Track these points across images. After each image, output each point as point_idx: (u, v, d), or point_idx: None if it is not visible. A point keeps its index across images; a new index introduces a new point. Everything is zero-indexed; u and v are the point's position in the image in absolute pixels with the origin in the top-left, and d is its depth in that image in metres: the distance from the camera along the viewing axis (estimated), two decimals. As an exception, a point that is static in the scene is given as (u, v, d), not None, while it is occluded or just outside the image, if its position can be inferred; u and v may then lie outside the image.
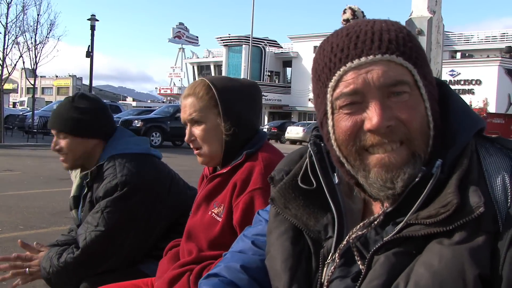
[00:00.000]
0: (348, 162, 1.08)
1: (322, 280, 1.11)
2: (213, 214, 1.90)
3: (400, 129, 1.01)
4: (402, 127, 1.01)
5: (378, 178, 1.03)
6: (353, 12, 1.14)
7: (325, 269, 1.11)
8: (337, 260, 1.09)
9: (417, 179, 1.00)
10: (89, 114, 2.51)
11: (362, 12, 1.14)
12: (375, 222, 1.07)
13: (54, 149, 2.55)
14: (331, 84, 1.05)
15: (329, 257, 1.10)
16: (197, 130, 2.00)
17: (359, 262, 1.06)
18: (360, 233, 1.08)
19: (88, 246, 2.28)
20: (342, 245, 1.08)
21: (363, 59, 1.01)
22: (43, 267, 2.36)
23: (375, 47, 1.01)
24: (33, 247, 2.48)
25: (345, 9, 1.17)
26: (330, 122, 1.08)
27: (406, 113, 1.01)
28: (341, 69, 1.03)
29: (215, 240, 1.87)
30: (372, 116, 1.00)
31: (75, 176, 2.72)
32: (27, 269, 2.41)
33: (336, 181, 1.15)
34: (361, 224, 1.09)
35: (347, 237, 1.09)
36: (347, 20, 1.15)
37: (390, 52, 1.01)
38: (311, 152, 1.18)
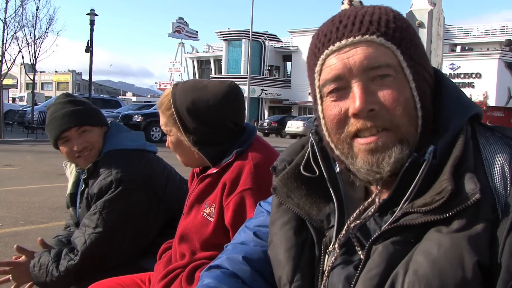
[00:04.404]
0: (337, 148, 1.09)
1: (324, 268, 1.11)
2: (205, 214, 1.89)
3: (384, 115, 1.01)
4: (386, 113, 1.01)
5: (364, 162, 1.04)
6: (350, 2, 1.15)
7: (326, 257, 1.11)
8: (338, 250, 1.09)
9: (407, 164, 1.00)
10: (88, 104, 2.54)
11: (360, 2, 1.14)
12: (371, 211, 1.08)
13: (80, 149, 2.43)
14: (317, 69, 1.07)
15: (330, 246, 1.11)
16: (168, 140, 2.06)
17: (359, 252, 1.06)
18: (358, 222, 1.08)
19: (89, 249, 2.25)
20: (341, 234, 1.09)
21: (343, 41, 1.03)
22: (35, 275, 2.31)
23: (355, 29, 1.02)
24: (29, 251, 2.41)
25: (343, 0, 1.17)
26: (319, 108, 1.10)
27: (390, 98, 1.01)
28: (324, 53, 1.05)
29: (208, 240, 1.86)
30: (354, 100, 1.01)
31: (70, 172, 2.70)
32: (9, 276, 2.35)
33: (338, 169, 1.15)
34: (357, 212, 1.09)
35: (345, 226, 1.09)
36: None
37: (370, 33, 1.02)
38: (313, 141, 1.18)
